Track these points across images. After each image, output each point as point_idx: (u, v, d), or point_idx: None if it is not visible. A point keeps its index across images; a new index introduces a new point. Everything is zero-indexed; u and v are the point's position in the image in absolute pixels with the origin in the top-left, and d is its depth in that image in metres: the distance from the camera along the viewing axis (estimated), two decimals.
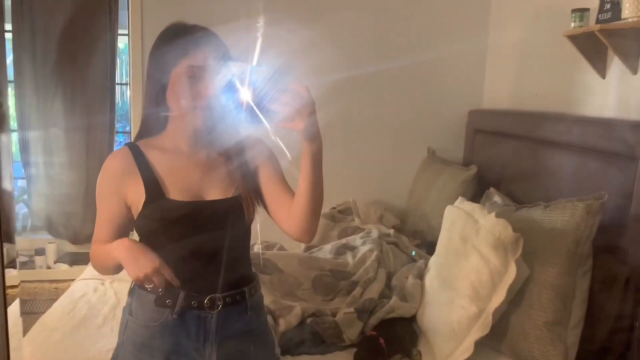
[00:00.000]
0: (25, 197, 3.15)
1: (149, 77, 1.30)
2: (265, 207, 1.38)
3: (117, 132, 3.30)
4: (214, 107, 1.22)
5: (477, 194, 2.63)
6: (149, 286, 1.19)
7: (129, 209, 1.30)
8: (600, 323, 1.80)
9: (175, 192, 1.28)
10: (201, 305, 1.29)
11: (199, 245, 1.28)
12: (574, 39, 2.13)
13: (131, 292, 1.36)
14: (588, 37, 2.06)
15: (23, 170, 3.08)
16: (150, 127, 1.35)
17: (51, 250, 3.00)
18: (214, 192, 1.31)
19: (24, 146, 3.02)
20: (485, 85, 3.22)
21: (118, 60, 3.23)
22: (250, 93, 1.10)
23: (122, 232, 1.32)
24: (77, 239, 3.07)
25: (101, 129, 3.01)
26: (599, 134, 1.99)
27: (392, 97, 3.21)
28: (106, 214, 1.31)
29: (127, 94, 3.32)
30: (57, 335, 1.89)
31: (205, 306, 1.29)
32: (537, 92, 2.61)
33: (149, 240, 1.29)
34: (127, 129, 3.18)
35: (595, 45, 2.05)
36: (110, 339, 1.87)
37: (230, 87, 1.12)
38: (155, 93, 1.28)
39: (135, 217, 1.30)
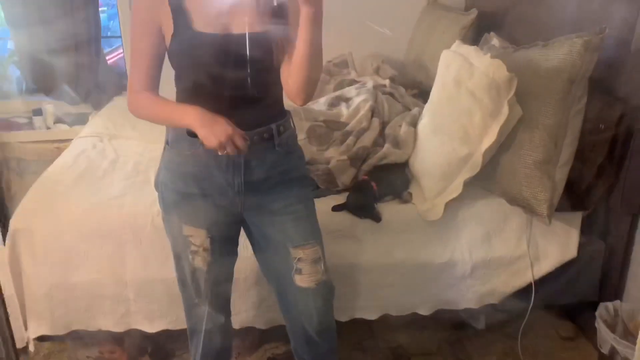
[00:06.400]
0: (16, 58, 3.08)
1: None
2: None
3: None
4: None
5: (478, 40, 2.53)
6: (221, 152, 1.20)
7: (164, 40, 1.28)
8: (589, 161, 1.82)
9: (202, 23, 1.24)
10: None
11: (225, 81, 1.27)
12: None
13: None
14: None
15: (10, 31, 2.97)
16: None
17: (49, 111, 2.99)
18: (242, 26, 1.25)
19: (9, 5, 2.88)
20: None
21: None
22: None
23: (159, 72, 1.32)
24: (74, 100, 3.05)
25: None
26: None
27: None
28: (143, 52, 1.29)
29: None
30: (60, 187, 1.95)
31: None
32: None
33: (180, 72, 1.31)
34: None
35: None
36: (110, 189, 1.94)
37: None
38: None
39: (167, 49, 1.28)
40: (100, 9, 3.10)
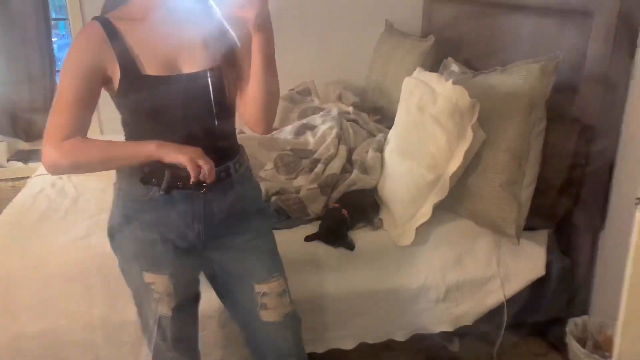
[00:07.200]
0: None
1: None
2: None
3: (54, 20, 3.06)
4: None
5: (436, 65, 2.60)
6: (194, 178, 1.15)
7: (104, 85, 1.22)
8: (551, 180, 1.88)
9: (151, 66, 1.21)
10: (186, 185, 1.23)
11: (180, 122, 1.23)
12: None
13: (118, 170, 1.32)
14: None
15: None
16: None
17: (2, 148, 2.89)
18: (191, 65, 1.23)
19: None
20: None
21: None
22: None
23: (89, 119, 1.22)
24: (29, 136, 2.96)
25: (36, 16, 2.78)
26: None
27: None
28: (77, 96, 1.17)
29: None
30: (20, 229, 1.87)
31: (189, 186, 1.23)
32: None
33: (130, 117, 1.26)
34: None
35: None
36: (75, 230, 1.87)
37: None
38: None
39: (115, 95, 1.23)
40: None
